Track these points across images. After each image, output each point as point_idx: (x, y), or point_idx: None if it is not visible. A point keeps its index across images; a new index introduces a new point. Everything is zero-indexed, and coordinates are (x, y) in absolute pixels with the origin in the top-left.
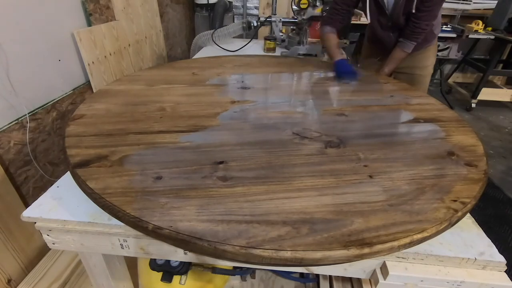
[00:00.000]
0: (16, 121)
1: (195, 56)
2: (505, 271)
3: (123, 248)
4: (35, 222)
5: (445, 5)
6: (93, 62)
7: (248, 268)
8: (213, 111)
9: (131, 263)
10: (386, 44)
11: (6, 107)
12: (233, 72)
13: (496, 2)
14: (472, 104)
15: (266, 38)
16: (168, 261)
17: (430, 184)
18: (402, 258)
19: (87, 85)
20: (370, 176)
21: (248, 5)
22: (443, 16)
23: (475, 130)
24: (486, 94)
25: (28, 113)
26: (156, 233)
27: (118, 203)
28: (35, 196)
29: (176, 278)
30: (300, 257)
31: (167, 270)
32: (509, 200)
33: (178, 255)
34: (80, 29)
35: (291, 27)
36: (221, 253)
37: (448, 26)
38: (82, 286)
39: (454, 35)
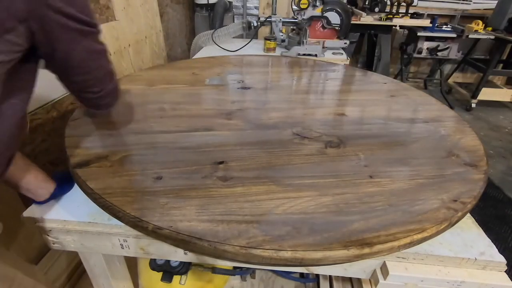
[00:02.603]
0: None
1: (195, 56)
2: (505, 271)
3: (123, 248)
4: (35, 222)
5: (445, 5)
6: None
7: (248, 268)
8: (213, 111)
9: (131, 263)
10: None
11: None
12: (233, 72)
13: (496, 2)
14: (472, 104)
15: (266, 38)
16: (168, 261)
17: (430, 184)
18: (402, 258)
19: None
20: (370, 176)
21: (248, 5)
22: (443, 16)
23: (475, 130)
24: (486, 94)
25: (28, 113)
26: (156, 233)
27: (118, 203)
28: None
29: (176, 278)
30: (300, 257)
31: (167, 270)
32: (509, 200)
33: (178, 255)
34: None
35: (291, 27)
36: (221, 253)
37: (448, 26)
38: (82, 286)
39: (454, 35)
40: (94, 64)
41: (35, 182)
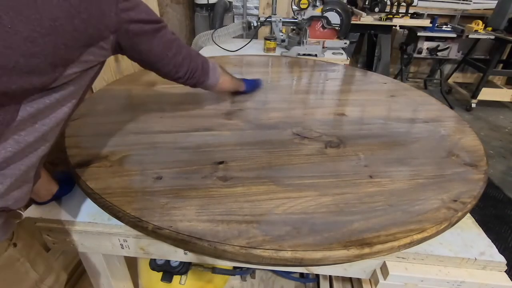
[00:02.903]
0: None
1: None
2: (505, 271)
3: (123, 248)
4: (35, 222)
5: (445, 5)
6: None
7: (248, 268)
8: (213, 111)
9: (131, 263)
10: None
11: None
12: (233, 72)
13: (496, 2)
14: (472, 104)
15: (266, 38)
16: (168, 261)
17: (430, 184)
18: (402, 258)
19: None
20: (370, 176)
21: (248, 5)
22: (443, 16)
23: (475, 130)
24: (486, 94)
25: None
26: (156, 233)
27: (118, 203)
28: None
29: (176, 278)
30: (300, 257)
31: (167, 270)
32: (509, 200)
33: (178, 255)
34: None
35: (291, 27)
36: (221, 253)
37: (448, 26)
38: (82, 286)
39: (454, 35)
40: (170, 52)
41: (40, 183)
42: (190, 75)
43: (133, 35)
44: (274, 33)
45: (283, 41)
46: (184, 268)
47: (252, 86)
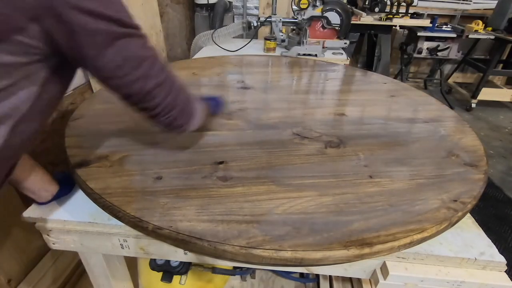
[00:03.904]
0: None
1: (195, 56)
2: (505, 271)
3: (123, 248)
4: (35, 222)
5: (445, 5)
6: None
7: (248, 268)
8: None
9: (131, 263)
10: None
11: None
12: (233, 72)
13: (496, 2)
14: (472, 104)
15: (266, 38)
16: (168, 261)
17: (430, 184)
18: (402, 258)
19: (87, 85)
20: (370, 176)
21: (248, 5)
22: (443, 16)
23: (475, 130)
24: (486, 94)
25: None
26: (156, 233)
27: (118, 203)
28: None
29: (176, 278)
30: (300, 257)
31: (167, 270)
32: (509, 200)
33: (178, 255)
34: None
35: (291, 27)
36: (221, 253)
37: (448, 26)
38: (82, 286)
39: (454, 35)
40: (135, 73)
41: (40, 184)
42: (163, 111)
43: (71, 28)
44: (274, 33)
45: (283, 41)
46: (184, 268)
47: (215, 108)
